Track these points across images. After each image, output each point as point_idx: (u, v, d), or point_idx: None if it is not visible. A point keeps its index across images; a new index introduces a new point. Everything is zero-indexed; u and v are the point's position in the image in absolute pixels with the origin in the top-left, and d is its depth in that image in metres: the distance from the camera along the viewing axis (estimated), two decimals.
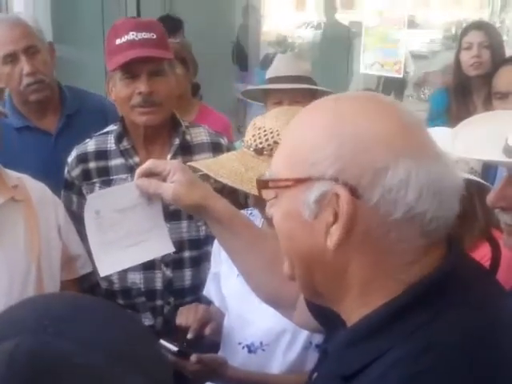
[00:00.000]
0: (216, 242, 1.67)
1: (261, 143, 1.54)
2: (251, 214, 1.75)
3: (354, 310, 0.90)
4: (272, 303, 1.36)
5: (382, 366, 0.83)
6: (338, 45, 6.41)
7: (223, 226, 1.29)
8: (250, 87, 3.32)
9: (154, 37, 1.96)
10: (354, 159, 0.83)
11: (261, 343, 1.63)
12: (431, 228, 0.84)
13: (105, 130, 2.09)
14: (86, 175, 2.04)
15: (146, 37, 1.94)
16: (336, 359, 0.93)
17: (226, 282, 1.77)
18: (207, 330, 1.73)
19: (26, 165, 1.93)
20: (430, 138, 0.88)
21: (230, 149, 2.03)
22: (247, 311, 1.65)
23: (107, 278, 1.99)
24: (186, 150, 2.04)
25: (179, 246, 1.93)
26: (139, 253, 1.43)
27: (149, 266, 1.95)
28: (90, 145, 2.06)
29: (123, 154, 2.02)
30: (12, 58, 2.27)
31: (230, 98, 5.85)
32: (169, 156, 2.01)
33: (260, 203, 1.52)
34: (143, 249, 1.43)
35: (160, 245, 1.46)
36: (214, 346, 1.78)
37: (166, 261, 1.99)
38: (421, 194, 0.82)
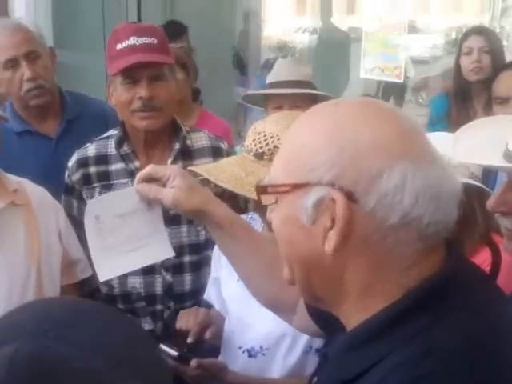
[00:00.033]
0: (216, 247, 1.67)
1: (261, 148, 1.54)
2: (251, 218, 1.75)
3: (354, 315, 0.91)
4: (272, 307, 1.36)
5: (381, 370, 0.83)
6: (338, 50, 6.41)
7: (223, 230, 1.29)
8: (250, 92, 3.32)
9: (155, 42, 1.96)
10: (351, 165, 0.83)
11: (261, 347, 1.63)
12: (429, 232, 0.84)
13: (105, 135, 2.09)
14: (87, 180, 2.04)
15: (146, 42, 1.95)
16: (336, 363, 0.94)
17: (226, 287, 1.77)
18: (207, 334, 1.73)
19: (26, 169, 1.94)
20: (428, 143, 0.88)
21: (230, 153, 2.03)
22: (247, 315, 1.65)
23: (107, 283, 1.99)
24: (187, 155, 2.04)
25: (179, 250, 1.93)
26: (139, 258, 1.43)
27: (149, 271, 1.95)
28: (91, 149, 2.06)
29: (123, 158, 2.02)
30: (13, 64, 2.27)
31: (231, 102, 5.85)
32: (169, 160, 2.01)
33: (260, 208, 1.52)
34: (143, 254, 1.43)
35: (160, 249, 1.46)
36: (215, 351, 1.78)
37: (166, 265, 1.99)
38: (417, 198, 0.82)
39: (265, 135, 1.54)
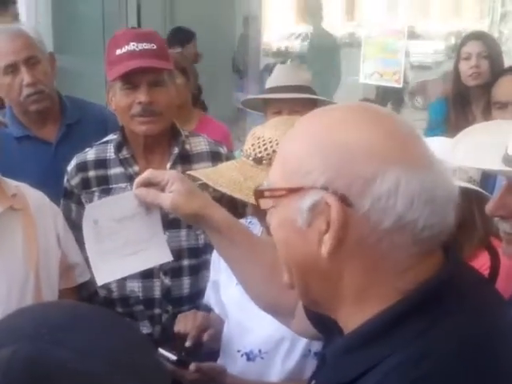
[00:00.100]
0: (215, 251, 1.68)
1: (260, 152, 1.54)
2: (250, 222, 1.76)
3: (351, 318, 0.91)
4: (271, 311, 1.36)
5: (378, 373, 0.83)
6: (337, 55, 6.42)
7: (222, 235, 1.30)
8: (249, 96, 3.33)
9: (155, 47, 1.97)
10: (342, 168, 0.84)
11: (259, 351, 1.63)
12: (423, 236, 0.84)
13: (105, 139, 2.10)
14: (86, 184, 2.04)
15: (146, 47, 1.95)
16: (333, 366, 0.94)
17: (226, 291, 1.77)
18: (205, 337, 1.73)
19: (25, 174, 1.94)
20: (425, 148, 0.89)
21: (229, 158, 2.04)
22: (246, 319, 1.65)
23: (106, 287, 1.99)
24: (186, 159, 2.05)
25: (178, 254, 1.93)
26: (137, 261, 1.44)
27: (147, 275, 1.95)
28: (90, 154, 2.06)
29: (123, 163, 2.03)
30: (13, 69, 2.28)
31: (230, 107, 5.86)
32: (168, 165, 2.01)
33: (259, 212, 1.52)
34: (141, 257, 1.43)
35: (158, 253, 1.46)
36: (213, 354, 1.78)
37: (165, 269, 1.99)
38: (411, 202, 0.82)
39: (264, 140, 1.55)
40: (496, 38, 4.56)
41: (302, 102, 2.45)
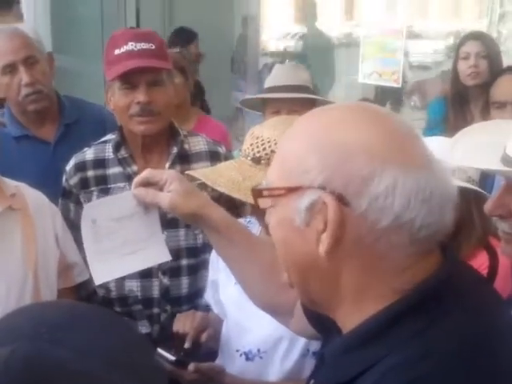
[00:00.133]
0: (214, 250, 1.68)
1: (258, 152, 1.54)
2: (249, 221, 1.76)
3: (349, 317, 0.91)
4: (269, 311, 1.36)
5: (376, 373, 0.83)
6: (336, 54, 6.42)
7: (220, 234, 1.30)
8: (248, 96, 3.33)
9: (153, 47, 1.97)
10: (340, 168, 0.84)
11: (258, 350, 1.63)
12: (421, 236, 0.84)
13: (103, 139, 2.10)
14: (84, 183, 2.04)
15: (144, 47, 1.95)
16: (332, 366, 0.94)
17: (224, 290, 1.77)
18: (204, 337, 1.73)
19: (24, 174, 1.94)
20: (423, 147, 0.89)
21: (227, 157, 2.04)
22: (245, 319, 1.65)
23: (104, 286, 1.99)
24: (184, 159, 2.05)
25: (176, 254, 1.93)
26: (136, 261, 1.44)
27: (146, 274, 1.95)
28: (89, 153, 2.06)
29: (121, 162, 2.03)
30: (11, 69, 2.28)
31: (229, 106, 5.86)
32: (167, 165, 2.01)
33: (257, 212, 1.52)
34: (140, 257, 1.43)
35: (157, 253, 1.46)
36: (212, 354, 1.78)
37: (163, 269, 1.99)
38: (408, 201, 0.83)
39: (262, 140, 1.55)
40: (495, 37, 4.56)
41: (300, 101, 2.45)
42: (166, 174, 1.36)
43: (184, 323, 1.76)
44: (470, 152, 1.29)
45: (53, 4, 4.97)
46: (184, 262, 2.02)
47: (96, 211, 1.41)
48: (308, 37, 6.15)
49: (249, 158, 1.56)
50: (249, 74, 6.39)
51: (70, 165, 2.07)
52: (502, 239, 1.31)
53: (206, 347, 1.78)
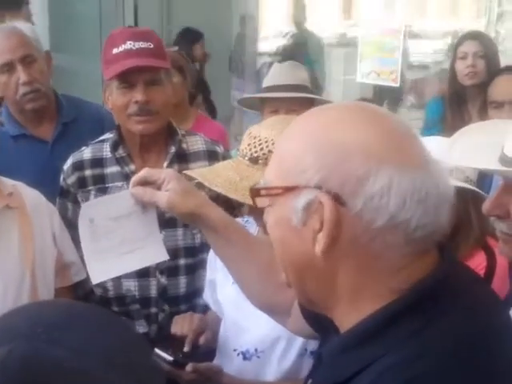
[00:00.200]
0: (211, 250, 1.68)
1: (256, 152, 1.54)
2: (247, 221, 1.76)
3: (346, 317, 0.91)
4: (266, 310, 1.36)
5: (372, 373, 0.83)
6: (334, 54, 6.43)
7: (218, 234, 1.30)
8: (246, 95, 3.33)
9: (151, 46, 1.97)
10: (336, 167, 0.84)
11: (256, 350, 1.63)
12: (416, 236, 0.84)
13: (101, 138, 2.09)
14: (82, 183, 2.04)
15: (143, 46, 1.95)
16: (329, 365, 0.94)
17: (222, 290, 1.77)
18: (202, 340, 1.73)
19: (22, 172, 1.94)
20: (421, 147, 0.89)
21: (225, 157, 2.04)
22: (242, 318, 1.65)
23: (102, 285, 1.99)
24: (182, 158, 2.05)
25: (174, 253, 1.93)
26: (133, 260, 1.44)
27: (144, 274, 1.95)
28: (86, 153, 2.06)
29: (119, 161, 2.02)
30: (9, 67, 2.27)
31: (227, 106, 5.86)
32: (165, 164, 2.01)
33: (255, 211, 1.52)
34: (137, 256, 1.43)
35: (154, 252, 1.46)
36: (210, 353, 1.78)
37: (161, 268, 1.99)
38: (404, 202, 0.83)
39: (260, 140, 1.55)
40: (493, 37, 4.56)
41: (299, 101, 2.45)
42: (164, 173, 1.36)
43: (182, 325, 1.77)
44: (467, 152, 1.29)
45: (50, 2, 4.97)
46: (182, 261, 2.02)
47: (94, 210, 1.41)
48: (306, 36, 6.15)
49: (246, 158, 1.55)
50: (247, 73, 6.39)
51: (68, 164, 2.06)
52: (499, 239, 1.31)
53: (204, 347, 1.78)
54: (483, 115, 2.83)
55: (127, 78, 1.94)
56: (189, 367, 1.57)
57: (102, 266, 1.41)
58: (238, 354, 1.66)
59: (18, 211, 1.75)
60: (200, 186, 1.49)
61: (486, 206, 1.26)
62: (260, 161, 1.53)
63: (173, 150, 2.03)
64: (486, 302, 0.95)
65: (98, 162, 2.04)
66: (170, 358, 1.59)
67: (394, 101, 6.10)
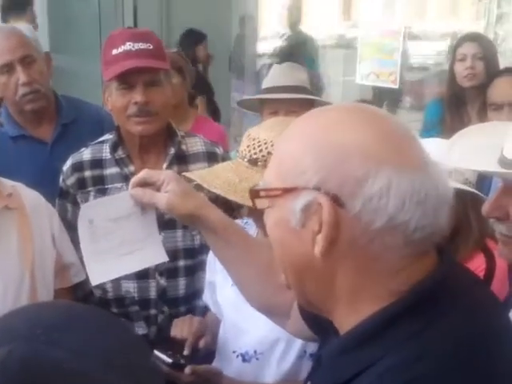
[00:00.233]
0: (211, 251, 1.68)
1: (255, 154, 1.54)
2: (246, 223, 1.76)
3: (346, 318, 0.91)
4: (266, 312, 1.36)
5: (372, 374, 0.83)
6: (333, 55, 6.43)
7: (217, 235, 1.30)
8: (246, 97, 3.33)
9: (151, 47, 1.97)
10: (335, 169, 0.84)
11: (255, 352, 1.63)
12: (415, 238, 0.85)
13: (100, 139, 2.09)
14: (81, 184, 2.04)
15: (142, 47, 1.95)
16: (329, 367, 0.94)
17: (221, 291, 1.77)
18: (202, 343, 1.73)
19: (21, 173, 1.94)
20: (420, 149, 0.89)
21: (225, 158, 2.04)
22: (241, 320, 1.65)
23: (101, 287, 1.99)
24: (182, 160, 2.05)
25: (174, 255, 1.93)
26: (132, 262, 1.44)
27: (143, 275, 1.95)
28: (86, 154, 2.06)
29: (118, 163, 2.02)
30: (8, 68, 2.27)
31: (227, 107, 5.86)
32: (164, 165, 2.01)
33: (254, 213, 1.53)
34: (137, 258, 1.43)
35: (154, 254, 1.46)
36: (209, 355, 1.78)
37: (161, 270, 1.99)
38: (403, 203, 0.83)
39: (259, 141, 1.55)
40: (492, 39, 4.57)
41: (298, 102, 2.45)
42: (164, 174, 1.36)
43: (182, 328, 1.77)
44: (467, 154, 1.29)
45: (50, 3, 4.97)
46: (181, 263, 2.02)
47: (93, 211, 1.41)
48: (300, 38, 6.15)
49: (245, 160, 1.55)
50: (246, 74, 6.39)
51: (67, 165, 2.06)
52: (499, 241, 1.31)
53: (203, 350, 1.77)
54: (482, 117, 2.84)
55: (127, 79, 1.94)
56: (188, 369, 1.57)
57: (102, 267, 1.41)
58: (238, 356, 1.66)
59: (17, 212, 1.74)
60: (199, 187, 1.49)
61: (485, 208, 1.26)
62: (259, 162, 1.53)
63: (172, 151, 2.03)
64: (486, 304, 0.95)
65: (97, 163, 2.04)
66: (169, 360, 1.59)
67: (393, 102, 6.11)
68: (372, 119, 0.90)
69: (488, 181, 2.21)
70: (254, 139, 1.56)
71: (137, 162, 2.03)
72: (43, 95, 2.34)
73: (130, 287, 2.01)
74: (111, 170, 2.03)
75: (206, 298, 1.89)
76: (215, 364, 1.73)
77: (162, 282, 2.02)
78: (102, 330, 0.70)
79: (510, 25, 5.88)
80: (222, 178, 1.52)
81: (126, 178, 1.96)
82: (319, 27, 6.61)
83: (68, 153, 2.10)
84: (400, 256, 0.86)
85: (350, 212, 0.83)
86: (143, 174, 1.36)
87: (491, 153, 1.23)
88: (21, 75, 2.26)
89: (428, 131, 3.17)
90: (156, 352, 1.58)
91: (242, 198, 1.43)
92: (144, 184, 1.35)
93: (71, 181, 2.05)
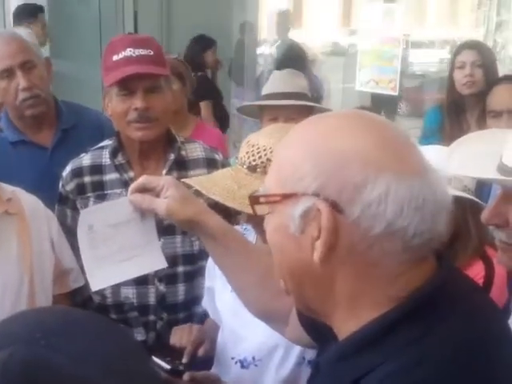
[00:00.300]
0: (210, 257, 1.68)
1: (254, 160, 1.54)
2: (245, 229, 1.76)
3: (345, 324, 0.91)
4: (264, 318, 1.36)
5: (373, 380, 0.83)
6: (334, 62, 6.45)
7: (216, 241, 1.30)
8: (246, 103, 3.33)
9: (151, 53, 1.97)
10: (334, 175, 0.84)
11: (253, 358, 1.63)
12: (414, 244, 0.85)
13: (100, 145, 2.09)
14: (81, 189, 2.04)
15: (142, 53, 1.95)
16: (328, 373, 0.94)
17: (220, 297, 1.77)
18: (201, 352, 1.73)
19: (21, 179, 1.93)
20: (419, 155, 0.89)
21: (224, 165, 2.04)
22: (240, 326, 1.65)
23: (100, 292, 1.98)
24: (181, 166, 2.05)
25: (173, 260, 1.93)
26: (132, 268, 1.43)
27: (142, 281, 1.94)
28: (85, 159, 2.06)
29: (118, 168, 2.03)
30: (8, 73, 2.27)
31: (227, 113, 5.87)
32: (164, 171, 2.01)
33: (253, 219, 1.53)
34: (136, 264, 1.43)
35: (153, 260, 1.46)
36: (208, 361, 1.78)
37: (160, 276, 1.98)
38: (401, 209, 0.83)
39: (258, 148, 1.55)
40: (491, 46, 4.58)
41: (298, 108, 2.46)
42: (163, 180, 1.36)
43: (181, 337, 1.77)
44: (466, 161, 1.29)
45: (50, 9, 4.99)
46: (180, 268, 2.02)
47: (92, 217, 1.41)
48: (295, 46, 6.17)
49: (245, 167, 1.56)
50: (246, 81, 6.41)
51: (67, 170, 2.06)
52: (498, 248, 1.31)
53: (202, 357, 1.77)
54: (481, 124, 2.84)
55: (127, 85, 1.94)
56: (186, 376, 1.56)
57: (101, 273, 1.41)
58: (236, 363, 1.65)
59: (16, 217, 1.74)
60: (198, 193, 1.49)
61: (484, 215, 1.26)
62: (258, 169, 1.53)
63: (172, 157, 2.04)
64: (485, 310, 0.95)
65: (97, 169, 2.04)
66: (168, 366, 1.59)
67: (393, 109, 6.13)
68: (371, 126, 0.90)
69: (487, 188, 2.21)
70: (253, 146, 1.56)
71: (136, 167, 2.03)
72: (43, 100, 2.35)
73: (129, 293, 2.01)
74: (111, 176, 2.03)
75: (205, 304, 1.88)
76: (214, 370, 1.73)
77: (161, 288, 2.02)
78: (101, 336, 0.70)
79: (509, 32, 5.90)
80: (220, 184, 1.52)
81: (125, 184, 1.96)
82: (319, 34, 6.63)
83: (68, 158, 2.10)
84: (399, 262, 0.86)
85: (348, 218, 0.84)
86: (142, 179, 1.36)
87: (490, 160, 1.23)
88: (21, 80, 2.26)
89: (427, 138, 3.17)
90: (154, 358, 1.58)
91: (240, 204, 1.43)
92: (143, 190, 1.36)
93: (71, 186, 2.05)
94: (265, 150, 1.53)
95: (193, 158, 2.07)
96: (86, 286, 1.59)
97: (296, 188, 0.87)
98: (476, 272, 1.71)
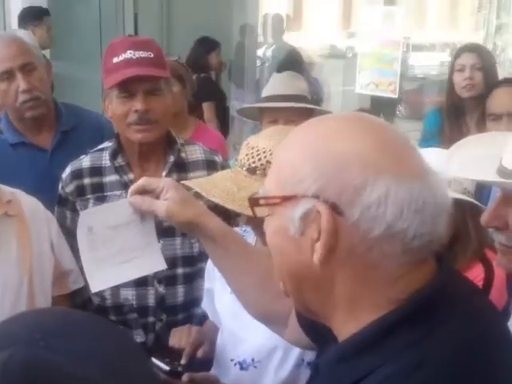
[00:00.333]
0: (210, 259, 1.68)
1: (254, 163, 1.54)
2: (245, 231, 1.76)
3: (344, 326, 0.91)
4: (263, 320, 1.36)
5: (372, 382, 0.83)
6: (334, 65, 6.46)
7: (216, 243, 1.30)
8: (245, 105, 3.33)
9: (152, 55, 1.97)
10: (334, 177, 0.84)
11: (252, 360, 1.63)
12: (413, 246, 0.85)
13: (100, 147, 2.09)
14: (80, 191, 2.04)
15: (143, 55, 1.95)
16: (327, 375, 0.94)
17: (220, 299, 1.77)
18: (200, 353, 1.73)
19: (20, 180, 1.94)
20: (418, 158, 0.89)
21: (224, 167, 2.04)
22: (239, 328, 1.65)
23: (99, 294, 1.98)
24: (181, 168, 2.05)
25: (172, 262, 1.93)
26: (131, 269, 1.44)
27: (141, 283, 1.95)
28: (85, 161, 2.06)
29: (118, 170, 2.03)
30: (8, 75, 2.28)
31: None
32: (164, 173, 2.01)
33: (252, 221, 1.53)
34: (135, 265, 1.43)
35: (152, 261, 1.46)
36: (207, 363, 1.78)
37: (159, 277, 1.99)
38: (401, 211, 0.83)
39: (257, 150, 1.55)
40: (491, 49, 4.59)
41: (298, 111, 2.46)
42: (163, 182, 1.36)
43: (180, 338, 1.77)
44: (466, 164, 1.30)
45: (51, 11, 4.99)
46: (180, 270, 2.02)
47: (92, 219, 1.41)
48: (289, 49, 6.18)
49: (244, 169, 1.56)
50: (246, 83, 6.41)
51: (67, 172, 2.06)
52: (498, 251, 1.32)
53: (201, 358, 1.77)
54: (481, 127, 2.84)
55: (127, 87, 1.94)
56: (185, 377, 1.56)
57: (101, 274, 1.41)
58: (235, 364, 1.65)
59: (16, 219, 1.75)
60: (198, 195, 1.49)
61: (484, 218, 1.27)
62: (258, 171, 1.53)
63: (172, 159, 2.04)
64: (485, 312, 0.95)
65: (96, 171, 2.04)
66: (167, 368, 1.59)
67: (393, 112, 6.13)
68: (371, 128, 0.90)
69: (487, 190, 2.22)
70: (252, 148, 1.56)
71: (136, 169, 2.03)
72: (43, 102, 2.35)
73: (129, 295, 2.01)
74: (110, 178, 2.03)
75: (205, 305, 1.88)
76: (213, 372, 1.73)
77: (161, 289, 2.02)
78: (100, 337, 0.70)
79: (509, 35, 5.91)
80: (220, 186, 1.52)
81: (125, 186, 1.96)
82: (319, 37, 6.64)
83: (68, 160, 2.11)
84: (398, 264, 0.86)
85: (348, 220, 0.84)
86: (142, 181, 1.37)
87: (490, 163, 1.23)
88: (21, 82, 2.26)
89: (427, 141, 3.17)
90: (153, 359, 1.58)
91: (240, 206, 1.44)
92: (143, 191, 1.36)
93: (70, 188, 2.05)
94: (264, 152, 1.54)
95: (192, 160, 2.08)
96: (86, 287, 1.60)
97: (296, 190, 0.87)
98: (476, 274, 1.71)
